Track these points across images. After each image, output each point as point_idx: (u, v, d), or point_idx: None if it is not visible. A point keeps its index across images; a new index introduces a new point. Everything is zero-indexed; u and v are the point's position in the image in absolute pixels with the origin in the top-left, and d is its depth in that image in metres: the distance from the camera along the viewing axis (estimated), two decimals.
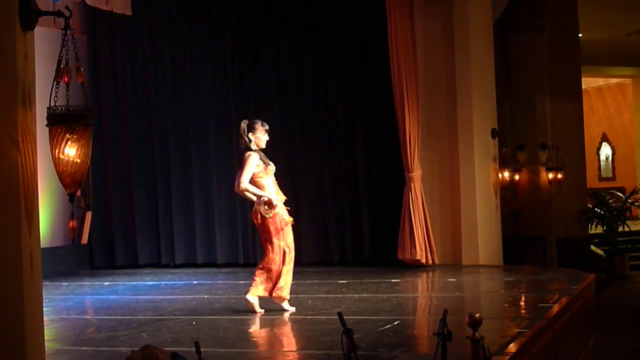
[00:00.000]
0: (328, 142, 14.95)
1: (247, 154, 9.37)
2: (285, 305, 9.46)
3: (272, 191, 9.37)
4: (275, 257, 9.35)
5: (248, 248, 15.10)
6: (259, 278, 9.39)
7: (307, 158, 14.94)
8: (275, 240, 9.35)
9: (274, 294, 9.40)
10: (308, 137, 14.94)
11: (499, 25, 17.24)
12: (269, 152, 9.63)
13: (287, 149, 14.85)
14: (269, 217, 9.27)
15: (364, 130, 14.71)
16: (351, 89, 14.87)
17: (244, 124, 9.49)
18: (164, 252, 15.43)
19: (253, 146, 9.42)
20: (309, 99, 15.01)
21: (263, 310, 9.42)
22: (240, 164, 9.48)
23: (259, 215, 9.31)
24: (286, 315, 9.34)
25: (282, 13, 15.24)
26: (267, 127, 9.56)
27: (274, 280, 9.38)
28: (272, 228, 9.31)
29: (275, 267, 9.36)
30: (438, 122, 14.28)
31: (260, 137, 9.47)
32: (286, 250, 9.39)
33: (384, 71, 13.88)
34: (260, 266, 9.45)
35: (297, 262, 14.39)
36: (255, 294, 9.41)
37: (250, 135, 9.43)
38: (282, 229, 9.37)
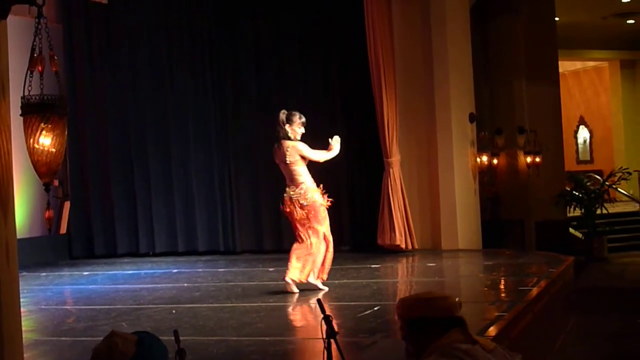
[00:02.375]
0: (307, 130, 14.88)
1: (290, 145, 9.81)
2: (320, 284, 9.82)
3: (309, 179, 9.84)
4: (317, 242, 9.71)
5: (228, 236, 15.07)
6: (299, 263, 9.71)
7: None
8: (316, 226, 9.72)
9: (318, 277, 9.82)
10: None
11: (476, 9, 17.23)
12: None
13: (267, 139, 14.77)
14: (308, 204, 9.67)
15: (342, 116, 14.66)
16: (329, 76, 14.84)
17: (282, 115, 9.88)
18: (143, 241, 15.36)
19: (291, 136, 9.82)
20: (287, 86, 14.93)
21: (298, 291, 9.67)
22: (278, 154, 9.92)
23: (297, 202, 9.69)
24: (293, 298, 9.55)
25: (260, 2, 15.16)
26: (304, 120, 9.96)
27: (315, 265, 9.75)
28: (312, 214, 9.68)
29: (316, 252, 9.72)
30: (416, 107, 14.30)
31: (296, 129, 9.88)
32: (327, 234, 9.82)
33: (362, 56, 13.87)
34: (299, 252, 9.75)
35: (278, 249, 14.58)
36: (294, 277, 9.70)
37: (287, 126, 9.84)
38: (322, 215, 9.78)
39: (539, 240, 19.41)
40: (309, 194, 9.71)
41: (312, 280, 9.75)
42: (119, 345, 3.03)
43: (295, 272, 9.68)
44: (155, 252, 15.26)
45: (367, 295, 9.67)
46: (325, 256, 9.84)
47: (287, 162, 9.78)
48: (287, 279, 9.69)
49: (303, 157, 9.83)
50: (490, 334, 6.68)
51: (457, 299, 3.66)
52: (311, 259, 9.72)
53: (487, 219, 16.91)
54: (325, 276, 9.92)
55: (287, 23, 15.07)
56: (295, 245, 9.84)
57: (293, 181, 9.79)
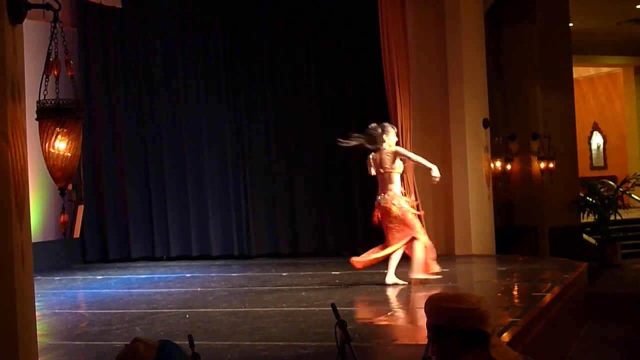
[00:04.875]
0: (321, 136, 14.89)
1: (391, 151, 10.50)
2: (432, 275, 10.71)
3: (397, 188, 10.59)
4: (396, 238, 10.48)
5: (242, 241, 15.08)
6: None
7: (302, 152, 14.92)
8: (403, 228, 10.47)
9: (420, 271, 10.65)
10: (301, 131, 14.90)
11: (491, 15, 17.20)
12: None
13: (282, 142, 14.90)
14: (394, 209, 10.40)
15: (356, 120, 14.59)
16: (343, 80, 14.84)
17: (378, 128, 10.59)
18: (157, 245, 15.38)
19: (387, 146, 10.55)
20: (301, 92, 14.97)
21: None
22: (378, 163, 10.53)
23: (385, 207, 10.44)
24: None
25: (274, 6, 15.19)
26: (396, 129, 10.84)
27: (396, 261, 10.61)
28: (398, 219, 10.41)
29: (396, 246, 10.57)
30: (430, 113, 14.26)
31: (392, 138, 10.64)
32: (416, 237, 10.56)
33: (376, 60, 13.84)
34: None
35: (293, 254, 14.60)
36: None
37: (384, 136, 10.56)
38: (409, 219, 10.52)
39: (552, 246, 19.39)
40: (395, 200, 10.43)
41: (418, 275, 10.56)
42: (140, 350, 3.14)
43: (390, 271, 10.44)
44: (169, 256, 15.28)
45: (381, 301, 9.65)
46: (424, 254, 10.50)
47: (390, 168, 10.48)
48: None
49: (404, 161, 10.64)
50: (503, 340, 6.64)
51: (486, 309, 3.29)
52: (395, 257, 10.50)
53: (501, 225, 16.88)
54: (432, 269, 10.64)
55: (301, 28, 15.07)
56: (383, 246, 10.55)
57: (384, 189, 10.51)
